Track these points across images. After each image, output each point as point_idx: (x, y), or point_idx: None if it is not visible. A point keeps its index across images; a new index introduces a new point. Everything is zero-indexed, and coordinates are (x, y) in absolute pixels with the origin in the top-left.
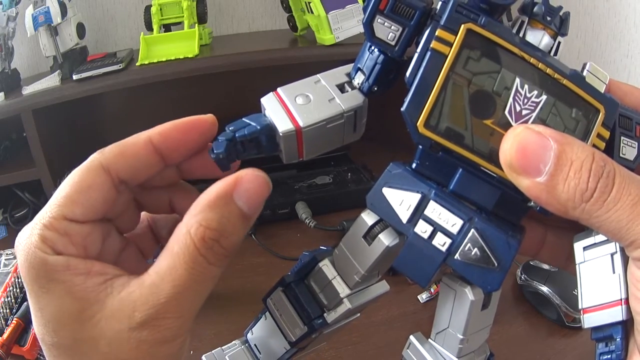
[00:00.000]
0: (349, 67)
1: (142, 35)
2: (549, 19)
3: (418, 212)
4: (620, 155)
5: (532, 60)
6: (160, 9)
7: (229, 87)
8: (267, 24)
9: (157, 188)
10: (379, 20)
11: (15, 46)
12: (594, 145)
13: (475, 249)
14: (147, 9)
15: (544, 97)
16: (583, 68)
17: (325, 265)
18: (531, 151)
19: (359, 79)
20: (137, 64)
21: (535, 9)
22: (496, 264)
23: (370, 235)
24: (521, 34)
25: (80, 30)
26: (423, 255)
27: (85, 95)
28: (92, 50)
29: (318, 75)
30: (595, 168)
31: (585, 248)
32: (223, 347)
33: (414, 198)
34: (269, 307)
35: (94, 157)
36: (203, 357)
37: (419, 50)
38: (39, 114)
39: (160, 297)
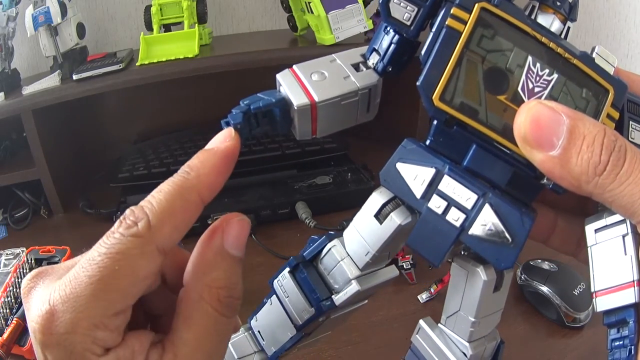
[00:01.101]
0: (364, 48)
1: (142, 35)
2: (558, 4)
3: (432, 187)
4: (630, 139)
5: (543, 39)
6: (160, 9)
7: (229, 87)
8: (267, 24)
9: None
10: (395, 0)
11: (15, 46)
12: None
13: (490, 224)
14: (147, 9)
15: (555, 75)
16: (592, 51)
17: (335, 247)
18: (545, 124)
19: (373, 59)
20: (137, 64)
21: None
22: (510, 240)
23: (382, 214)
24: (532, 17)
25: (80, 30)
26: (437, 231)
27: (85, 95)
28: (92, 50)
29: (333, 54)
30: (607, 142)
31: (596, 230)
32: None
33: (428, 172)
34: (276, 289)
35: (145, 236)
36: None
37: (434, 29)
38: (39, 114)
39: None
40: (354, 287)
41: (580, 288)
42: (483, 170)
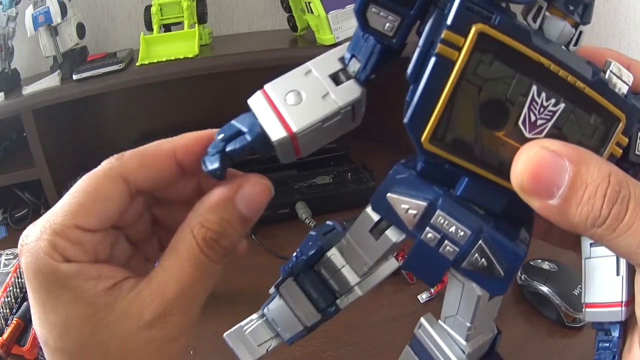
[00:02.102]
0: (341, 50)
1: (142, 35)
2: (571, 8)
3: (424, 221)
4: (636, 152)
5: (552, 67)
6: (160, 9)
7: (229, 87)
8: (267, 24)
9: (176, 204)
10: (372, 9)
11: (15, 46)
12: (611, 154)
13: (483, 260)
14: (147, 9)
15: (562, 105)
16: (607, 65)
17: (334, 255)
18: (545, 175)
19: (354, 66)
20: (137, 64)
21: None
22: (502, 274)
23: (377, 230)
24: (538, 22)
25: (80, 30)
26: (430, 260)
27: (85, 95)
28: (92, 50)
29: (308, 63)
30: (610, 193)
31: (592, 244)
32: (241, 324)
33: (420, 206)
34: (282, 294)
35: (113, 165)
36: (225, 335)
37: (420, 44)
38: (39, 114)
39: (167, 294)
40: (356, 293)
41: (580, 288)
42: (477, 199)
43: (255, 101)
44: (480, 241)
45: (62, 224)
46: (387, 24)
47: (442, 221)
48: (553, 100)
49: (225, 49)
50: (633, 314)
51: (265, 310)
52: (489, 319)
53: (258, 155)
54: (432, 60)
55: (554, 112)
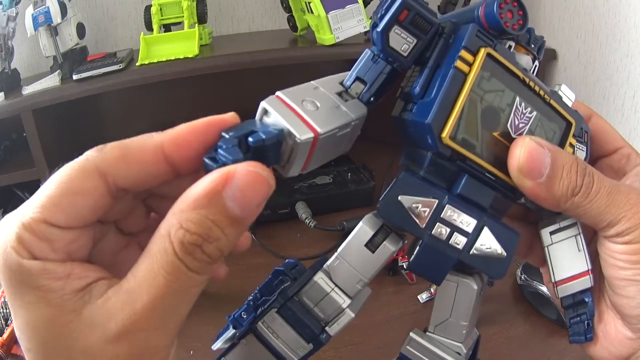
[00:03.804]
0: (342, 76)
1: (142, 35)
2: (532, 46)
3: (435, 216)
4: None
5: (530, 82)
6: (160, 9)
7: (229, 87)
8: (267, 24)
9: (171, 198)
10: (396, 30)
11: (15, 46)
12: None
13: (488, 243)
14: (147, 9)
15: (534, 113)
16: (557, 88)
17: (321, 279)
18: (536, 158)
19: (357, 88)
20: (137, 64)
21: (521, 36)
22: (505, 255)
23: (373, 243)
24: None
25: (80, 30)
26: (439, 255)
27: (85, 95)
28: (92, 50)
29: (313, 82)
30: (579, 169)
31: (551, 232)
32: None
33: (431, 203)
34: (261, 332)
35: (91, 157)
36: None
37: (429, 65)
38: (39, 114)
39: (136, 306)
40: (348, 316)
41: None
42: (472, 195)
43: (273, 103)
44: (485, 227)
45: (31, 217)
46: (405, 45)
47: (451, 214)
48: (529, 109)
49: (225, 49)
50: (595, 287)
51: None
52: (475, 319)
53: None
54: (451, 72)
55: (530, 118)
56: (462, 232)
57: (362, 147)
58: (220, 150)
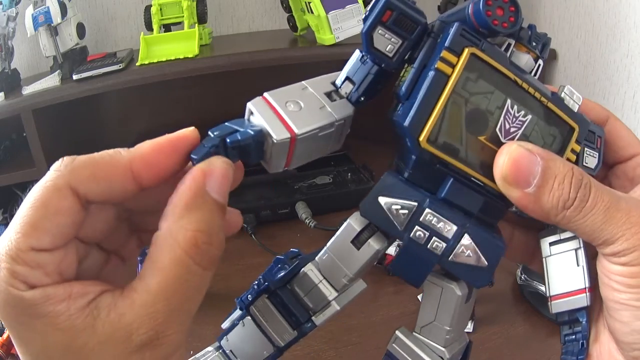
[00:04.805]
0: (334, 76)
1: (142, 35)
2: (534, 44)
3: (414, 219)
4: (584, 164)
5: (523, 84)
6: (160, 9)
7: (229, 87)
8: (267, 24)
9: (150, 212)
10: (379, 31)
11: (15, 46)
12: (567, 159)
13: (468, 251)
14: (147, 9)
15: (529, 116)
16: (561, 90)
17: (310, 270)
18: (523, 166)
19: (346, 88)
20: (137, 64)
21: (522, 33)
22: (487, 264)
23: (359, 240)
24: (507, 55)
25: (80, 30)
26: (418, 258)
27: (85, 95)
28: (92, 50)
29: (304, 82)
30: (575, 181)
31: (551, 243)
32: (196, 355)
33: (410, 206)
34: (253, 314)
35: (61, 174)
36: None
37: (416, 65)
38: (39, 114)
39: (157, 318)
40: (333, 308)
41: None
42: (458, 200)
43: (257, 104)
44: (465, 234)
45: (17, 248)
46: (389, 46)
47: (430, 218)
48: (523, 112)
49: (225, 49)
50: (595, 304)
51: (224, 341)
52: (463, 324)
53: (249, 162)
54: (431, 73)
55: (524, 122)
56: (441, 238)
57: (362, 147)
58: (198, 149)
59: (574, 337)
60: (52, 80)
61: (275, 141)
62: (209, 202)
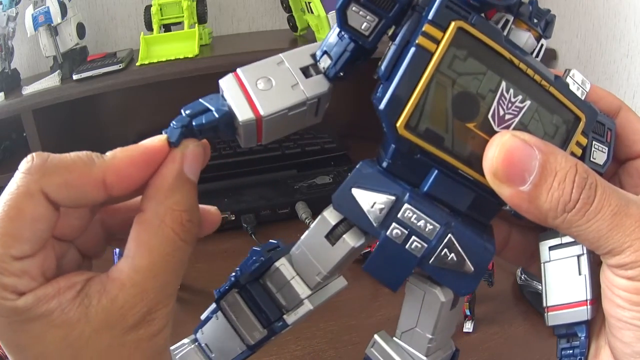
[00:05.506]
0: (314, 47)
1: (142, 35)
2: (535, 20)
3: (391, 216)
4: (591, 159)
5: (520, 65)
6: (160, 9)
7: None
8: (267, 24)
9: (123, 212)
10: (353, 8)
11: (15, 46)
12: (572, 153)
13: (452, 255)
14: (147, 9)
15: (527, 102)
16: (566, 74)
17: (283, 265)
18: (517, 160)
19: (324, 62)
20: (137, 64)
21: (522, 8)
22: (473, 269)
23: (333, 235)
24: (505, 33)
25: (80, 30)
26: (395, 259)
27: (85, 95)
28: (92, 50)
29: (281, 55)
30: (578, 179)
31: (551, 248)
32: (171, 347)
33: (387, 200)
34: (223, 309)
35: (32, 179)
36: None
37: (397, 42)
38: (39, 114)
39: (149, 295)
40: (306, 307)
41: None
42: (444, 195)
43: (227, 82)
44: (449, 235)
45: (1, 261)
46: (365, 24)
47: (409, 215)
48: (520, 97)
49: (225, 49)
50: (597, 316)
51: (199, 334)
52: (448, 332)
53: (222, 138)
54: (412, 50)
55: (521, 109)
56: (422, 238)
57: (362, 147)
58: (169, 130)
59: (571, 352)
60: (52, 80)
61: (240, 123)
62: (187, 182)
